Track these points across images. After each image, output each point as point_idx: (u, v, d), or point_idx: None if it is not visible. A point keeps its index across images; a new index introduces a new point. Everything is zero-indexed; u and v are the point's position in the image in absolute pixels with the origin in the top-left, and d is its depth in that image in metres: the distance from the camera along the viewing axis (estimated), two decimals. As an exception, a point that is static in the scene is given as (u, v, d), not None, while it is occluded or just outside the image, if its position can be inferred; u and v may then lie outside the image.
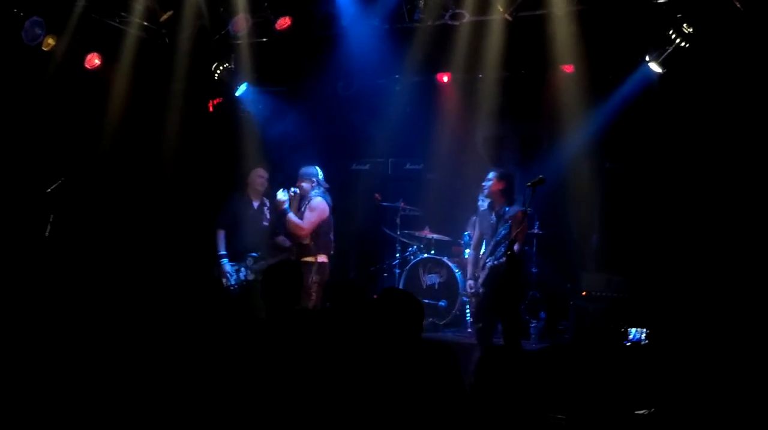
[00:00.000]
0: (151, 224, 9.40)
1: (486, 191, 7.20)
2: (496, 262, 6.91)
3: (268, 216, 8.16)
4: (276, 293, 4.28)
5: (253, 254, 7.92)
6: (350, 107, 10.20)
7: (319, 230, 7.58)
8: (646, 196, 8.53)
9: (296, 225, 7.49)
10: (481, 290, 7.16)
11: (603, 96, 8.71)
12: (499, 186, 6.99)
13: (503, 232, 6.75)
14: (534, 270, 8.90)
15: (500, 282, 6.46)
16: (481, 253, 7.35)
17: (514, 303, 6.83)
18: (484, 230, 7.33)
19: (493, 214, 7.17)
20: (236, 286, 7.79)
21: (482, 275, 7.16)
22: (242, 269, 7.85)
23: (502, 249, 6.68)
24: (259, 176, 8.21)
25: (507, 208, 6.69)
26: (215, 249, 7.87)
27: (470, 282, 7.42)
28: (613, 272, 7.79)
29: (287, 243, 8.03)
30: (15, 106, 8.43)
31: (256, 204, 8.14)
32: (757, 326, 6.51)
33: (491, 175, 7.20)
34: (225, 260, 7.86)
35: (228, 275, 7.79)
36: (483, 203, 8.88)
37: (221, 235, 7.90)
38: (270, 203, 8.11)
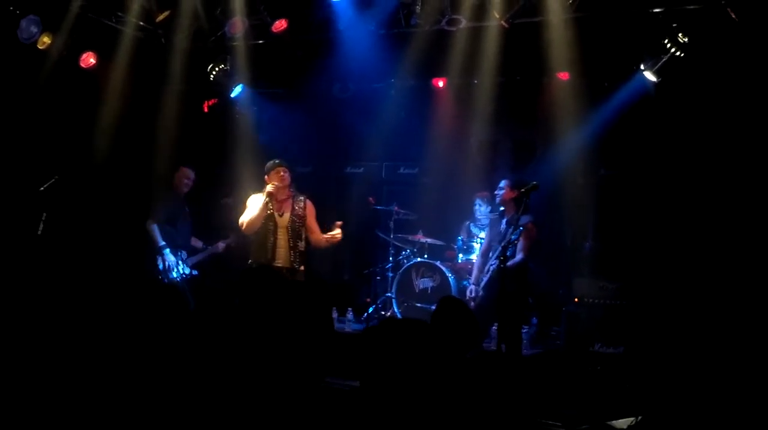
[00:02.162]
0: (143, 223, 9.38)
1: (498, 199, 7.17)
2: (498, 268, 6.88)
3: (187, 210, 8.25)
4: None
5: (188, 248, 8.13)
6: (345, 110, 10.22)
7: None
8: (640, 204, 8.56)
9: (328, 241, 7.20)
10: (480, 293, 7.17)
11: (598, 103, 8.75)
12: (512, 194, 6.93)
13: (513, 237, 6.71)
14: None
15: (500, 286, 6.44)
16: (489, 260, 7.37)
17: (516, 309, 6.82)
18: (493, 237, 7.32)
19: (504, 222, 7.15)
20: (178, 278, 7.85)
21: (485, 279, 7.18)
22: (180, 262, 7.89)
23: (509, 253, 6.69)
24: (185, 177, 8.15)
25: (521, 217, 6.63)
26: (154, 242, 7.81)
27: (471, 287, 7.42)
28: (605, 279, 7.80)
29: (199, 244, 8.24)
30: (9, 104, 8.40)
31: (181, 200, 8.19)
32: (750, 333, 6.53)
33: (503, 183, 7.15)
34: (168, 250, 7.82)
35: (174, 266, 7.81)
36: (480, 208, 8.91)
37: (155, 228, 7.83)
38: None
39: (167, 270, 7.78)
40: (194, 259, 8.14)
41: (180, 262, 7.87)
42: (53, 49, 8.53)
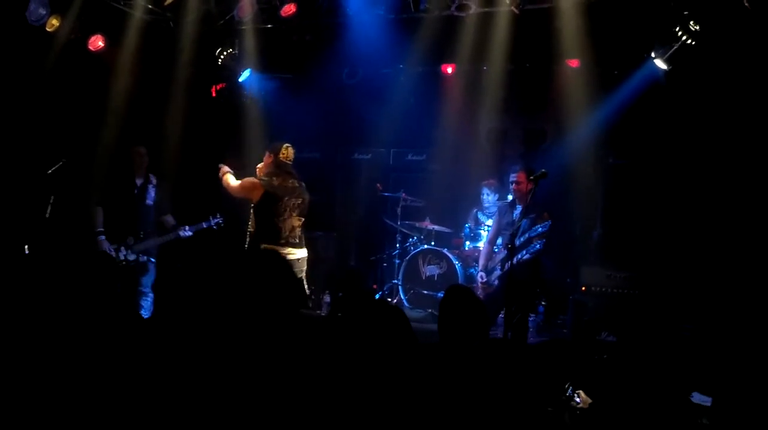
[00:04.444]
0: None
1: (515, 189, 7.08)
2: (521, 259, 6.80)
3: (152, 194, 7.93)
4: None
5: (141, 234, 7.77)
6: (353, 96, 10.18)
7: (260, 212, 6.86)
8: (649, 193, 8.52)
9: (226, 184, 7.13)
10: (495, 283, 7.14)
11: (608, 91, 8.70)
12: (530, 185, 6.81)
13: (541, 229, 6.68)
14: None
15: (519, 278, 6.43)
16: (496, 248, 7.34)
17: (526, 298, 6.82)
18: (503, 225, 7.28)
19: (517, 211, 7.11)
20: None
21: (498, 271, 7.14)
22: (122, 248, 7.64)
23: (538, 246, 6.66)
24: (137, 154, 7.91)
25: (533, 208, 6.61)
26: (93, 226, 7.63)
27: (481, 274, 7.40)
28: (613, 268, 7.77)
29: (171, 222, 7.88)
30: (17, 86, 8.40)
31: (139, 182, 7.88)
32: (761, 324, 6.51)
33: (518, 173, 7.07)
34: (103, 237, 7.62)
35: (109, 252, 7.56)
36: (487, 197, 8.87)
37: (99, 211, 7.66)
38: (156, 180, 8.00)
39: None
40: (152, 241, 7.77)
41: (123, 247, 7.63)
42: (61, 32, 8.51)
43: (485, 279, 7.33)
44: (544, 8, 8.06)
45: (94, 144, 8.95)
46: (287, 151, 6.98)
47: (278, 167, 6.94)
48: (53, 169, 7.51)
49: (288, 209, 6.90)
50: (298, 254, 6.97)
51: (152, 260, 7.79)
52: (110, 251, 7.55)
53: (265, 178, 6.89)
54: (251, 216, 6.92)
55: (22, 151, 8.44)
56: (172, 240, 7.75)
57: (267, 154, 7.03)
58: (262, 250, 6.66)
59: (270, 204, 6.84)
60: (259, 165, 7.10)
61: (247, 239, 6.92)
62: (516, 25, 8.35)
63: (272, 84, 10.48)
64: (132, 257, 7.65)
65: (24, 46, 8.41)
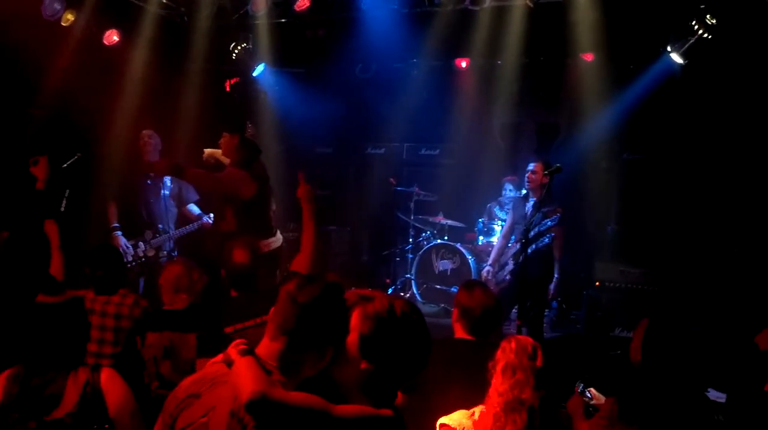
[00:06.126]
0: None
1: (532, 183, 6.99)
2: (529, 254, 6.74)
3: (169, 185, 7.37)
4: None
5: (160, 227, 7.33)
6: (367, 91, 10.19)
7: (249, 208, 5.80)
8: (663, 189, 8.48)
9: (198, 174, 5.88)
10: (507, 278, 7.09)
11: (623, 86, 8.66)
12: (545, 180, 6.71)
13: (550, 223, 6.62)
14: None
15: (534, 272, 6.40)
16: (509, 243, 7.29)
17: (540, 293, 6.79)
18: (516, 218, 7.22)
19: (530, 205, 7.05)
20: (134, 263, 7.12)
21: (511, 266, 7.09)
22: (140, 243, 7.23)
23: (546, 240, 6.61)
24: (140, 139, 7.35)
25: (548, 202, 6.57)
26: (106, 222, 7.25)
27: (488, 268, 7.33)
28: (627, 263, 7.74)
29: (195, 211, 7.41)
30: (33, 81, 8.43)
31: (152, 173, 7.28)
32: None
33: (535, 166, 6.96)
34: (119, 233, 7.20)
35: (124, 249, 7.06)
36: (510, 193, 8.83)
37: (113, 207, 7.31)
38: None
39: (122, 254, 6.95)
40: (172, 234, 7.31)
41: (141, 243, 7.24)
42: (76, 27, 8.54)
43: (491, 276, 7.25)
44: (558, 2, 8.03)
45: (108, 138, 8.98)
46: (249, 127, 6.27)
47: (249, 148, 5.98)
48: (68, 163, 7.52)
49: (271, 196, 6.07)
50: (279, 237, 6.15)
51: (174, 253, 7.37)
52: (127, 247, 7.19)
53: (251, 170, 5.82)
54: (231, 210, 5.87)
55: (36, 145, 8.47)
56: (195, 230, 7.35)
57: (227, 135, 5.99)
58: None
59: (262, 197, 5.90)
60: (209, 150, 6.36)
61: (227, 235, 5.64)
62: (530, 19, 8.30)
63: (286, 79, 10.48)
64: (152, 254, 7.28)
65: (39, 41, 8.43)
